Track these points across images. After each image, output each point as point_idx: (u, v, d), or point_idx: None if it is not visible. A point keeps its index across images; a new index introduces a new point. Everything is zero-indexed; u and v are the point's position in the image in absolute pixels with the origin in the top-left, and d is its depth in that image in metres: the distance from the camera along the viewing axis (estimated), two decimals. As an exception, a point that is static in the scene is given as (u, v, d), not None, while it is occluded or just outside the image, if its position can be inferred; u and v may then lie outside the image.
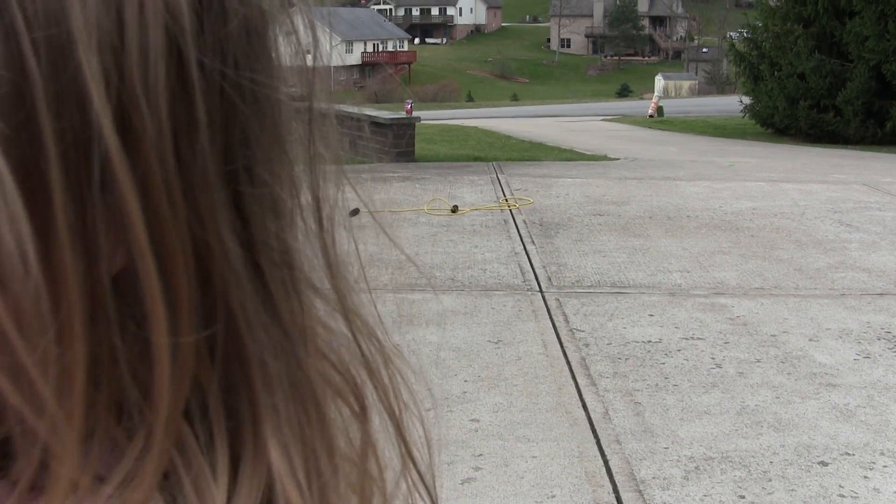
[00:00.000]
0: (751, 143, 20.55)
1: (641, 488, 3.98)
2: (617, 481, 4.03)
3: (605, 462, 4.22)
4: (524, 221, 8.24)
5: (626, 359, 5.49)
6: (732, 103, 27.73)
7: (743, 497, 3.93)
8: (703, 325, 6.17)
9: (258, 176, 0.51)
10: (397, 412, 0.60)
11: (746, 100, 23.74)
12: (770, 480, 4.08)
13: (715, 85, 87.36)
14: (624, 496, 3.90)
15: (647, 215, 9.60)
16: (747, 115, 23.55)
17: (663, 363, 5.47)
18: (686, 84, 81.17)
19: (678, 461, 4.25)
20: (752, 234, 8.84)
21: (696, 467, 4.20)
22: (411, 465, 0.61)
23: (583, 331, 5.93)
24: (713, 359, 5.55)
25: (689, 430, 4.58)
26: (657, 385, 5.14)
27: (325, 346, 0.57)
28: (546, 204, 8.71)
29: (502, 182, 10.80)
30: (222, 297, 0.51)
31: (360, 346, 0.59)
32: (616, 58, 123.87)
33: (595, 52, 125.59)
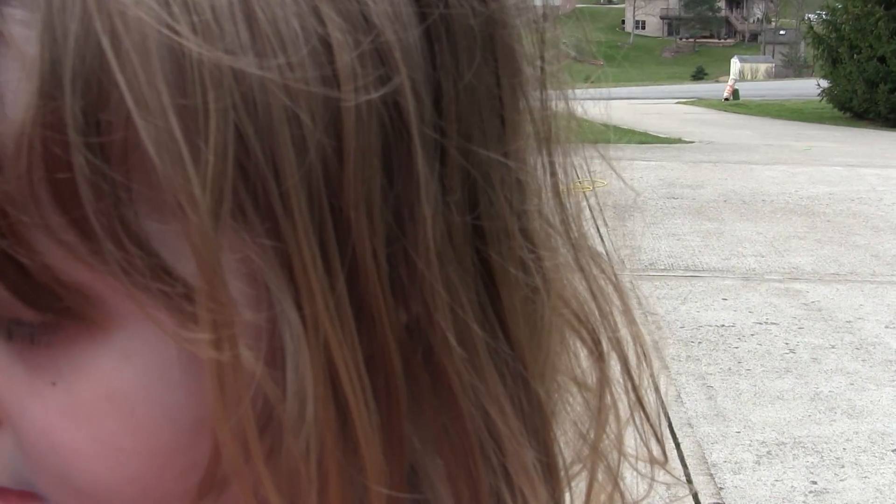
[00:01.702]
0: (828, 127, 20.24)
1: (713, 472, 3.98)
2: (688, 464, 4.03)
3: (677, 445, 4.22)
4: (597, 204, 8.18)
5: (699, 342, 5.47)
6: (809, 87, 27.33)
7: (815, 483, 3.91)
8: (777, 309, 6.12)
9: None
10: (629, 358, 0.61)
11: (824, 83, 23.39)
12: (843, 467, 4.06)
13: (792, 68, 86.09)
14: (695, 479, 3.90)
15: (721, 199, 9.52)
16: (825, 98, 23.21)
17: (736, 347, 5.44)
18: (762, 67, 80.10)
19: (750, 445, 4.24)
20: (828, 220, 8.74)
21: (768, 452, 4.18)
22: (640, 409, 0.62)
23: (655, 314, 5.91)
24: (787, 344, 5.52)
25: (761, 415, 4.56)
26: (730, 369, 5.12)
27: (567, 292, 0.57)
28: (619, 186, 8.66)
29: (575, 164, 10.63)
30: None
31: (591, 287, 0.59)
32: (691, 40, 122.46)
33: (670, 33, 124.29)
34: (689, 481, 3.87)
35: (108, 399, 0.46)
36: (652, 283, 6.58)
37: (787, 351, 5.41)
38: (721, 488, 3.87)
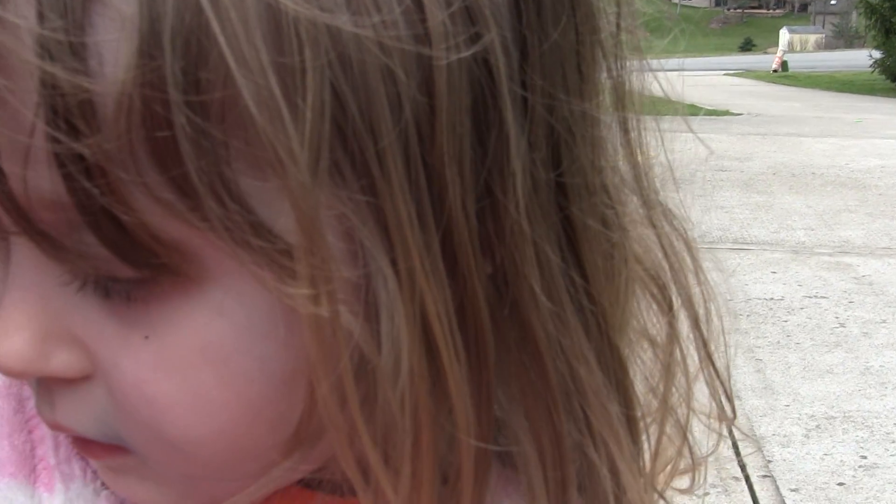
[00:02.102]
0: (880, 99, 19.98)
1: (761, 444, 3.96)
2: (737, 436, 4.02)
3: (719, 420, 4.19)
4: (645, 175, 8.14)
5: (748, 315, 5.44)
6: (861, 58, 26.97)
7: (864, 458, 3.88)
8: (827, 283, 6.07)
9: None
10: (699, 315, 0.62)
11: (876, 54, 23.07)
12: (893, 442, 4.02)
13: (843, 39, 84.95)
14: (743, 451, 3.89)
15: (770, 172, 9.45)
16: (877, 70, 22.90)
17: (785, 321, 5.41)
18: (812, 38, 79.13)
19: (799, 419, 4.22)
20: (879, 193, 8.64)
21: (817, 426, 4.16)
22: (710, 365, 0.63)
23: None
24: (837, 318, 5.47)
25: (810, 389, 4.53)
26: (779, 342, 5.09)
27: (639, 248, 0.58)
28: (667, 158, 8.61)
29: (645, 121, 10.59)
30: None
31: (662, 244, 0.60)
32: (739, 10, 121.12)
33: (718, 4, 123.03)
34: (738, 454, 3.87)
35: (201, 352, 0.47)
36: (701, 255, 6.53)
37: (838, 325, 5.36)
38: (769, 461, 3.86)
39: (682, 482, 0.66)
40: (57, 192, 0.42)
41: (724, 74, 30.50)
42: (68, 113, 0.40)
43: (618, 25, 0.55)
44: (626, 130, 0.57)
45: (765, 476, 3.77)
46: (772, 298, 5.76)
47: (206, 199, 0.42)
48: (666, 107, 0.64)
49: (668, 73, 0.64)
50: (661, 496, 0.64)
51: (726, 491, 3.65)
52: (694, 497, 0.70)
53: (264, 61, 0.40)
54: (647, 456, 0.62)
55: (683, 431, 0.64)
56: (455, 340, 0.47)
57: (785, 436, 4.06)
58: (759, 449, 3.92)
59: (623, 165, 0.57)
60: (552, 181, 0.50)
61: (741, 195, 8.29)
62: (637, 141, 0.58)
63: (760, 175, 9.26)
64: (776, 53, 35.39)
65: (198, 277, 0.45)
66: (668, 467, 0.64)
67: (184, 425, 0.49)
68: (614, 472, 0.55)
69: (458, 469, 0.50)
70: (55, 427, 0.54)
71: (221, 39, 0.39)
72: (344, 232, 0.45)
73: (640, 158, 0.58)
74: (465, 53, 0.44)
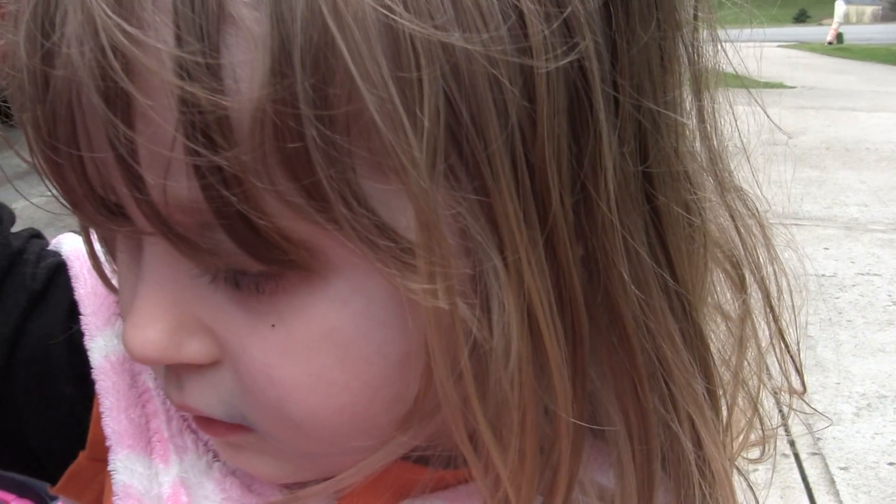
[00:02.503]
0: (937, 71, 19.69)
1: (811, 422, 3.93)
2: (786, 413, 3.99)
3: (774, 394, 4.17)
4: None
5: (798, 291, 5.39)
6: (919, 30, 26.56)
7: (916, 436, 3.85)
8: (881, 260, 6.00)
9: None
10: (771, 291, 0.66)
11: (934, 26, 22.70)
12: (946, 421, 3.98)
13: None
14: (794, 429, 3.86)
15: (823, 146, 9.34)
16: (934, 42, 22.55)
17: (837, 298, 5.35)
18: (869, 10, 78.17)
19: (849, 397, 4.18)
20: (935, 168, 8.53)
21: (868, 405, 4.12)
22: (780, 339, 0.68)
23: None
24: (890, 296, 5.41)
25: (861, 367, 4.49)
26: (830, 320, 5.04)
27: (714, 227, 0.62)
28: (727, 129, 8.58)
29: (718, 102, 10.57)
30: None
31: (735, 223, 0.64)
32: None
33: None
34: (788, 432, 3.84)
35: (325, 338, 0.52)
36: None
37: (891, 303, 5.30)
38: (819, 439, 3.83)
39: (753, 453, 0.71)
40: (194, 199, 0.46)
41: (778, 46, 30.16)
42: (207, 128, 0.44)
43: (695, 16, 0.58)
44: (702, 117, 0.61)
45: (814, 454, 3.75)
46: (823, 275, 5.70)
47: (335, 203, 0.46)
48: (719, 79, 0.65)
49: (721, 44, 0.65)
50: (735, 466, 0.67)
51: (775, 468, 3.63)
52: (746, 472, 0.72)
53: (386, 76, 0.44)
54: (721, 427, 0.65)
55: (754, 403, 0.68)
56: (556, 325, 0.51)
57: (835, 413, 4.03)
58: (809, 426, 3.90)
59: (699, 148, 0.60)
60: (639, 172, 0.53)
61: (794, 170, 8.21)
62: (712, 124, 0.61)
63: (814, 149, 9.16)
64: (831, 25, 34.99)
65: (323, 271, 0.50)
66: (740, 437, 0.68)
67: (307, 406, 0.54)
68: (698, 445, 0.59)
69: (556, 442, 0.55)
70: (182, 408, 0.59)
71: (347, 56, 0.43)
72: (459, 229, 0.49)
73: (714, 141, 0.61)
74: (563, 62, 0.48)
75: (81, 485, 0.77)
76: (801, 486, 3.57)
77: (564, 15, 0.48)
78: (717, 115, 0.62)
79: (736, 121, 0.66)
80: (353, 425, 0.55)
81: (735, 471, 0.68)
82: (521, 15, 0.47)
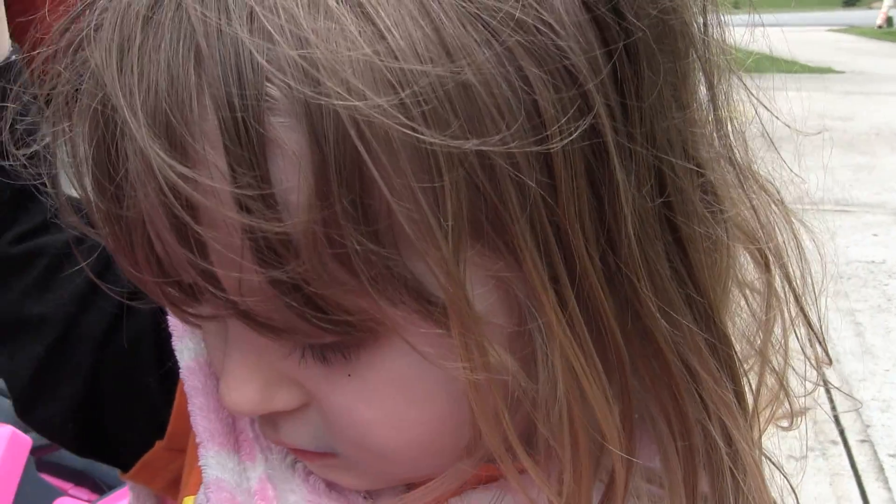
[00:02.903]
0: None
1: (860, 409, 3.91)
2: (835, 400, 3.97)
3: (824, 381, 4.14)
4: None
5: (848, 278, 5.35)
6: (971, 13, 26.17)
7: (967, 423, 3.82)
8: (931, 246, 5.95)
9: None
10: (790, 270, 0.69)
11: None
12: None
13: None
14: (842, 416, 3.84)
15: (873, 132, 9.25)
16: None
17: (886, 284, 5.31)
18: (920, -7, 76.98)
19: (899, 384, 4.16)
20: None
21: (918, 391, 4.10)
22: (803, 317, 0.70)
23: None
24: (940, 282, 5.36)
25: (912, 353, 4.46)
26: (879, 306, 5.00)
27: (737, 212, 0.64)
28: (767, 116, 8.49)
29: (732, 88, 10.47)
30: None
31: (754, 208, 0.66)
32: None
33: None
34: (836, 419, 3.82)
35: (393, 383, 0.58)
36: (803, 216, 6.44)
37: (941, 288, 5.26)
38: (868, 426, 3.81)
39: (782, 422, 0.74)
40: (269, 298, 0.51)
41: (827, 30, 29.84)
42: (269, 248, 0.49)
43: (704, 30, 0.61)
44: (716, 109, 0.63)
45: (863, 441, 3.73)
46: (872, 262, 5.66)
47: (379, 294, 0.51)
48: (767, 64, 0.66)
49: (769, 28, 0.67)
50: (762, 452, 0.69)
51: (824, 454, 3.62)
52: (792, 460, 0.74)
53: (413, 187, 0.48)
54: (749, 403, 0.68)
55: (780, 379, 0.70)
56: (596, 368, 0.56)
57: (884, 400, 4.00)
58: (858, 413, 3.88)
59: (717, 146, 0.63)
60: (658, 205, 0.56)
61: (843, 155, 8.12)
62: (725, 115, 0.63)
63: (863, 135, 9.07)
64: (881, 9, 34.51)
65: (385, 331, 0.55)
66: (767, 412, 0.71)
67: (384, 440, 0.60)
68: (729, 442, 0.62)
69: (611, 472, 0.60)
70: (278, 443, 0.67)
71: (377, 175, 0.47)
72: (504, 291, 0.54)
73: (728, 129, 0.64)
74: (576, 135, 0.51)
75: (154, 472, 0.82)
76: (851, 472, 3.55)
77: (578, 93, 0.51)
78: (729, 101, 0.64)
79: (759, 105, 0.68)
80: (426, 452, 0.61)
81: (769, 463, 0.71)
82: (535, 104, 0.50)
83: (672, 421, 0.61)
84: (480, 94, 0.49)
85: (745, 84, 0.66)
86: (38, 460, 2.40)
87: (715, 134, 0.63)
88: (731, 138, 0.64)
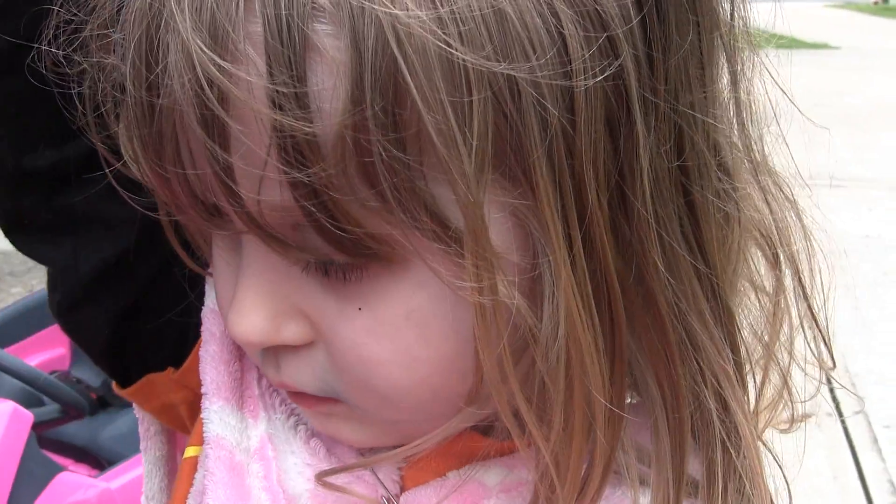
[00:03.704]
0: None
1: (855, 382, 3.94)
2: (831, 374, 4.00)
3: (828, 378, 4.16)
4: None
5: (843, 253, 5.36)
6: (968, -12, 26.07)
7: (961, 396, 3.85)
8: (926, 221, 5.97)
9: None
10: (803, 270, 0.70)
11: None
12: None
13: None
14: (838, 389, 3.87)
15: (868, 107, 9.25)
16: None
17: (882, 259, 5.34)
18: (917, -32, 76.62)
19: (894, 357, 4.19)
20: (983, 128, 8.42)
21: (913, 364, 4.13)
22: (811, 316, 0.71)
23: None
24: (935, 256, 5.39)
25: (907, 327, 4.49)
26: (875, 280, 5.03)
27: (750, 207, 0.66)
28: (763, 92, 8.47)
29: (753, 82, 10.40)
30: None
31: (768, 203, 0.67)
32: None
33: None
34: (832, 390, 3.85)
35: (406, 318, 0.58)
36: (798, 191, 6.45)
37: (936, 263, 5.28)
38: (863, 398, 3.84)
39: (782, 425, 0.74)
40: (286, 205, 0.53)
41: (824, 6, 29.74)
42: (296, 149, 0.50)
43: (732, 15, 0.62)
44: (738, 107, 0.64)
45: (857, 413, 3.76)
46: (868, 236, 5.68)
47: (397, 210, 0.52)
48: (763, 39, 0.68)
49: (765, 3, 0.69)
50: (762, 440, 0.69)
51: (819, 427, 3.65)
52: (788, 434, 0.76)
53: (444, 100, 0.50)
54: (751, 397, 0.69)
55: (785, 376, 0.71)
56: (591, 313, 0.56)
57: (879, 373, 4.04)
58: (854, 386, 3.91)
59: (736, 136, 0.64)
60: (675, 168, 0.58)
61: (838, 131, 8.13)
62: (747, 111, 0.65)
63: (858, 111, 9.08)
64: (878, -15, 34.38)
65: (402, 260, 0.56)
66: (770, 409, 0.71)
67: (392, 379, 0.60)
68: (726, 413, 0.63)
69: (593, 422, 0.59)
70: (279, 385, 0.66)
71: (412, 84, 0.49)
72: (517, 225, 0.55)
73: (747, 121, 0.65)
74: (600, 78, 0.53)
75: (151, 394, 0.83)
76: (845, 443, 3.59)
77: (604, 36, 0.53)
78: (752, 103, 0.66)
79: (762, 83, 0.69)
80: (432, 395, 0.61)
81: (767, 452, 0.71)
82: (563, 39, 0.52)
83: (665, 390, 0.62)
84: (514, 24, 0.51)
85: (767, 69, 0.67)
86: (40, 437, 2.42)
87: (735, 121, 0.64)
88: (750, 131, 0.65)
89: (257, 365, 0.69)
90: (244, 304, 0.60)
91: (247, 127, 0.51)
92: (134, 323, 0.81)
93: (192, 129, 0.52)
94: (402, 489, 0.70)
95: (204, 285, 0.78)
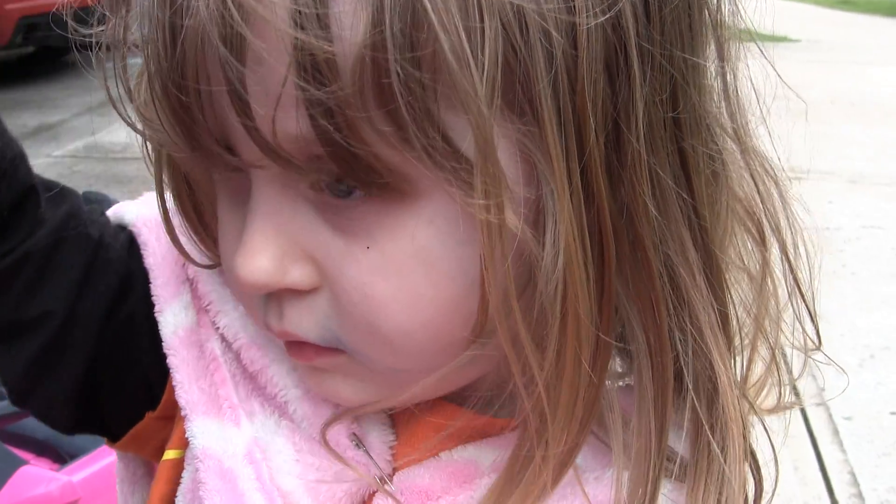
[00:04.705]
0: (943, 24, 19.51)
1: (814, 373, 3.96)
2: (791, 365, 4.02)
3: (786, 365, 4.20)
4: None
5: (815, 251, 5.39)
6: (925, -18, 26.32)
7: (919, 386, 3.89)
8: (885, 214, 6.02)
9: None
10: (787, 243, 0.72)
11: (940, -22, 22.51)
12: (949, 371, 4.02)
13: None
14: (798, 381, 3.89)
15: (829, 100, 9.31)
16: (941, -6, 22.35)
17: (841, 251, 5.38)
18: (875, -38, 77.36)
19: (853, 349, 4.22)
20: (941, 122, 8.49)
21: (872, 356, 4.16)
22: (798, 292, 0.74)
23: (759, 217, 5.85)
24: (893, 249, 5.44)
25: (866, 320, 4.52)
26: (834, 272, 5.06)
27: (736, 185, 0.68)
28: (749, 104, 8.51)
29: (743, 68, 10.47)
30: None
31: (755, 182, 0.70)
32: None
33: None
34: (794, 385, 3.87)
35: (413, 256, 0.60)
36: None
37: (895, 256, 5.33)
38: (822, 390, 3.87)
39: (769, 402, 0.77)
40: (301, 129, 0.55)
41: None
42: (315, 68, 0.53)
43: (718, 7, 0.65)
44: (725, 82, 0.67)
45: (818, 404, 3.79)
46: (828, 228, 5.72)
47: (412, 128, 0.54)
48: (724, 32, 0.68)
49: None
50: (753, 407, 0.73)
51: (780, 417, 3.66)
52: (768, 442, 0.78)
53: (458, 25, 0.53)
54: (740, 371, 0.72)
55: (773, 353, 0.74)
56: (585, 246, 0.59)
57: (839, 365, 4.06)
58: (813, 378, 3.93)
59: (724, 113, 0.67)
60: (670, 119, 0.61)
61: (799, 124, 8.18)
62: (733, 86, 0.67)
63: (819, 104, 9.13)
64: (837, -21, 34.63)
65: (412, 193, 0.58)
66: (758, 384, 0.75)
67: (397, 320, 0.61)
68: (709, 364, 0.65)
69: (588, 355, 0.62)
70: (282, 335, 0.67)
71: (430, 8, 0.52)
72: (522, 155, 0.58)
73: (735, 105, 0.67)
74: (601, 19, 0.56)
75: (143, 441, 0.83)
76: (806, 435, 3.61)
77: None
78: (737, 81, 0.68)
79: (734, 77, 0.70)
80: (435, 339, 0.62)
81: (752, 411, 0.73)
82: None
83: (650, 336, 0.64)
84: None
85: (764, 55, 0.72)
86: (1, 430, 2.40)
87: (724, 103, 0.67)
88: (737, 113, 0.68)
89: (257, 316, 0.70)
90: (252, 245, 0.61)
91: (268, 45, 0.53)
92: (95, 390, 0.80)
93: (212, 49, 0.54)
94: (395, 470, 0.71)
95: (157, 328, 0.78)
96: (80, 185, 0.74)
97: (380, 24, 0.52)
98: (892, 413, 3.73)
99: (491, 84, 0.54)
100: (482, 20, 0.53)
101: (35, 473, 2.29)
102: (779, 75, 0.73)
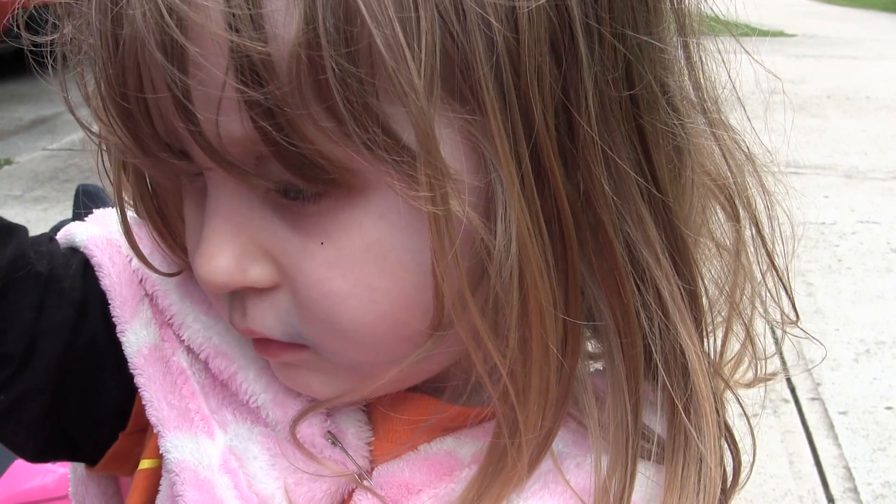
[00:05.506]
0: (939, 19, 19.52)
1: (810, 367, 3.97)
2: (786, 358, 4.03)
3: (776, 340, 4.20)
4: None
5: (799, 239, 5.40)
6: (921, -23, 26.31)
7: (914, 381, 3.89)
8: (880, 208, 6.02)
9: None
10: (759, 216, 0.72)
11: (936, -27, 22.51)
12: (944, 365, 4.02)
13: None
14: (793, 373, 3.90)
15: (824, 95, 9.31)
16: (936, -11, 22.35)
17: (837, 245, 5.38)
18: (871, -43, 77.31)
19: (849, 343, 4.22)
20: (936, 116, 8.49)
21: (867, 350, 4.16)
22: (772, 268, 0.74)
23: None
24: (889, 243, 5.43)
25: (861, 314, 4.52)
26: (830, 267, 5.07)
27: (706, 159, 0.68)
28: (721, 79, 8.49)
29: (709, 47, 10.44)
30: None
31: (725, 159, 0.70)
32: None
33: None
34: (788, 377, 3.88)
35: (367, 250, 0.60)
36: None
37: (890, 251, 5.33)
38: (818, 384, 3.88)
39: (748, 377, 0.77)
40: (244, 131, 0.55)
41: (780, -5, 29.90)
42: (252, 69, 0.53)
43: None
44: (688, 54, 0.67)
45: (814, 399, 3.79)
46: (823, 223, 5.72)
47: (351, 123, 0.54)
48: (719, 27, 0.69)
49: None
50: (728, 385, 0.72)
51: (776, 412, 3.67)
52: (745, 418, 0.75)
53: (392, 16, 0.52)
54: (715, 348, 0.72)
55: (748, 328, 0.74)
56: (541, 232, 0.59)
57: (834, 359, 4.07)
58: (809, 373, 3.94)
59: (688, 84, 0.67)
60: (625, 98, 0.60)
61: (794, 118, 8.18)
62: (698, 62, 0.67)
63: (814, 98, 9.14)
64: (833, -27, 34.61)
65: (362, 188, 0.58)
66: (734, 361, 0.74)
67: (355, 314, 0.62)
68: (677, 341, 0.65)
69: (556, 341, 0.62)
70: (246, 332, 0.68)
71: (361, 1, 0.52)
72: (468, 144, 0.58)
73: (701, 79, 0.67)
74: (542, 1, 0.55)
75: (121, 461, 0.82)
76: (801, 430, 3.61)
77: None
78: (703, 55, 0.68)
79: (728, 69, 0.70)
80: (395, 331, 0.63)
81: (730, 394, 0.73)
82: None
83: (617, 315, 0.64)
84: None
85: (718, 46, 0.70)
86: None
87: (689, 79, 0.67)
88: (705, 90, 0.68)
89: (224, 315, 0.70)
90: (210, 246, 0.62)
91: (205, 50, 0.53)
92: (61, 418, 0.79)
93: (152, 57, 0.55)
94: (373, 465, 0.71)
95: (121, 350, 0.76)
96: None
97: (313, 21, 0.52)
98: (888, 408, 3.74)
99: (429, 75, 0.54)
100: (417, 10, 0.53)
101: (30, 466, 2.29)
102: (768, 70, 0.72)
